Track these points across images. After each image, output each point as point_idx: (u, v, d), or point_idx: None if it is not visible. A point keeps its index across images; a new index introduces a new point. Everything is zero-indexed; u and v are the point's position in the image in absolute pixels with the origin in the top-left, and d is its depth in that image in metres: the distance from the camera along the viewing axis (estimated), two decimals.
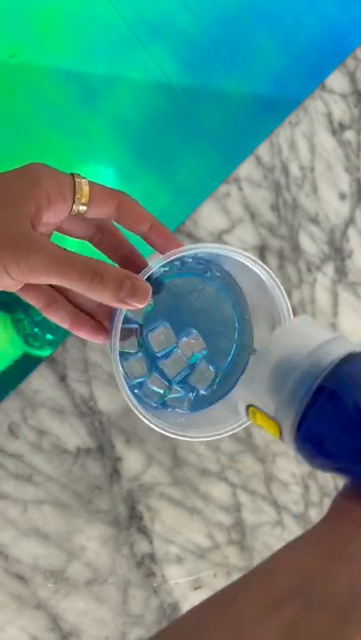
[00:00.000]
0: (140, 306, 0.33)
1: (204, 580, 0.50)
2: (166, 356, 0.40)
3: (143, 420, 0.36)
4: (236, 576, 0.51)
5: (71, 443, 0.48)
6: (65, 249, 0.32)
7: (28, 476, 0.47)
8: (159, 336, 0.40)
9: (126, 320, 0.39)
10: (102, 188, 0.35)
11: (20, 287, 0.33)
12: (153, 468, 0.50)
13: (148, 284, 0.34)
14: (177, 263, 0.41)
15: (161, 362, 0.40)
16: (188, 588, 0.50)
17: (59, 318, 0.37)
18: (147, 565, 0.49)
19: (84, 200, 0.34)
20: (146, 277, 0.35)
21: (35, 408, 0.47)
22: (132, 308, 0.33)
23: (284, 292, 0.38)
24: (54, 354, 0.48)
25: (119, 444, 0.49)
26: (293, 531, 0.53)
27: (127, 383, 0.36)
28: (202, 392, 0.41)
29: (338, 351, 0.26)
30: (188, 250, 0.36)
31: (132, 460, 0.49)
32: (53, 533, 0.47)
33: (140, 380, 0.40)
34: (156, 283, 0.39)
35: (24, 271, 0.31)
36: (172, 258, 0.36)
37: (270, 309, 0.39)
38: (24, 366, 0.48)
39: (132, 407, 0.36)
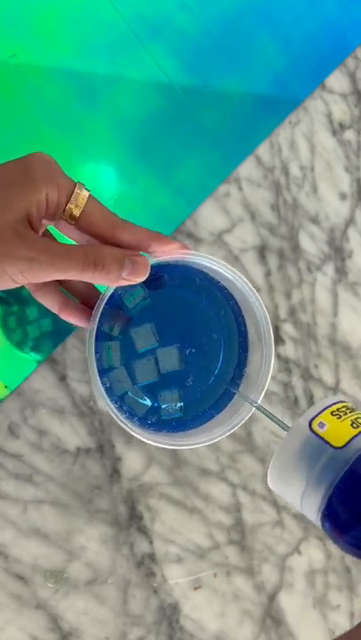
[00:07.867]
0: (141, 279, 0.35)
1: (204, 579, 0.50)
2: (142, 356, 0.40)
3: (105, 406, 0.37)
4: (236, 576, 0.51)
5: (71, 443, 0.48)
6: (63, 244, 0.33)
7: (28, 476, 0.47)
8: (143, 333, 0.40)
9: (121, 306, 0.39)
10: (101, 210, 0.35)
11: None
12: (153, 467, 0.50)
13: (146, 258, 0.35)
14: (181, 273, 0.41)
15: (134, 361, 0.40)
16: (188, 588, 0.50)
17: (48, 303, 0.38)
18: (147, 565, 0.49)
19: (75, 212, 0.34)
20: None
21: (35, 408, 0.47)
22: (133, 282, 0.35)
23: (265, 311, 0.38)
24: (54, 354, 0.48)
25: (119, 444, 0.49)
26: (293, 531, 0.53)
27: (99, 366, 0.37)
28: (163, 406, 0.41)
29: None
30: (185, 256, 0.37)
31: (132, 460, 0.49)
32: (53, 533, 0.47)
33: (111, 366, 0.40)
34: (155, 274, 0.39)
35: (27, 277, 0.32)
36: (163, 259, 0.37)
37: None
38: (22, 368, 0.48)
39: (95, 388, 0.37)
